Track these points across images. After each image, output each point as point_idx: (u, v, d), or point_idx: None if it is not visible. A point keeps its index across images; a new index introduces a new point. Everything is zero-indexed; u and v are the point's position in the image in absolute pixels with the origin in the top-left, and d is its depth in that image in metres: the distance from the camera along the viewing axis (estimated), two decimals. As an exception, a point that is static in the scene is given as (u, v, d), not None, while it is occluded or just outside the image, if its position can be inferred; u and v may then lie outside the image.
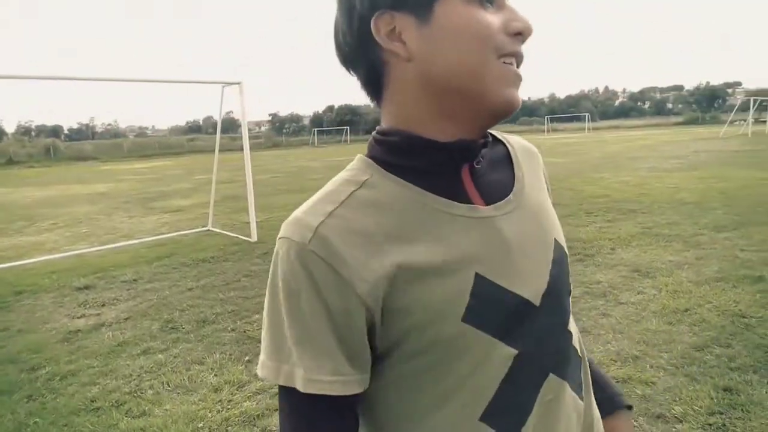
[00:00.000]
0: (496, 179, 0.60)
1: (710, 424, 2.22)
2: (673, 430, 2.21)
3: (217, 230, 7.48)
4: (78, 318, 4.10)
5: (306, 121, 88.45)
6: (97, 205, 11.48)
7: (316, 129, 56.10)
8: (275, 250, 0.54)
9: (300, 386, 0.51)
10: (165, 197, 12.29)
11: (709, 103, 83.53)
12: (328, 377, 0.50)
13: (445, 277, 0.52)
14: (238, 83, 6.53)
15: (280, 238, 0.53)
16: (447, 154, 0.56)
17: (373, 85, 0.59)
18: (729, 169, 10.57)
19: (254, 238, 6.64)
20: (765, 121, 29.82)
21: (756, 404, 2.32)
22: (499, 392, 0.54)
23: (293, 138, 65.14)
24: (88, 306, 4.39)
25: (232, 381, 2.89)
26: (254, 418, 2.52)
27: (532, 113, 77.34)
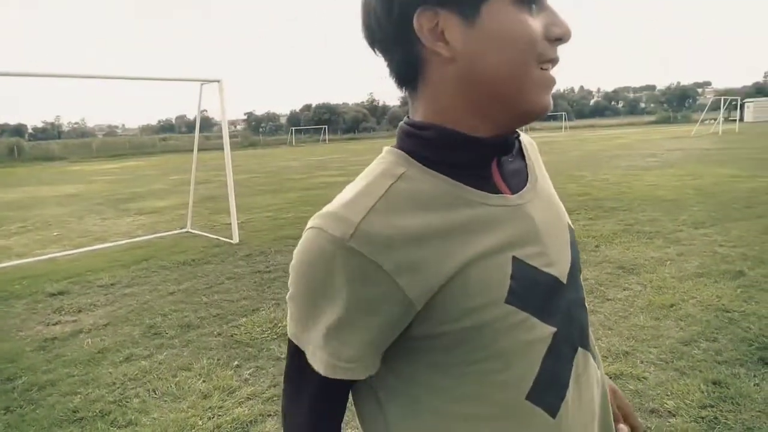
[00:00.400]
0: (515, 169, 0.62)
1: (702, 418, 2.25)
2: (667, 424, 2.24)
3: (197, 232, 7.31)
4: (53, 325, 3.93)
5: (283, 120, 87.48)
6: (67, 207, 11.07)
7: (293, 128, 55.44)
8: (304, 239, 0.54)
9: (320, 369, 0.54)
10: (139, 198, 11.95)
11: (680, 102, 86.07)
12: (346, 364, 0.53)
13: (489, 264, 0.54)
14: (218, 81, 6.38)
15: (311, 228, 0.53)
16: (485, 150, 0.58)
17: (407, 76, 0.58)
18: (702, 166, 10.91)
19: (236, 239, 6.51)
20: (735, 120, 30.99)
21: (745, 396, 2.37)
22: (542, 370, 0.57)
23: (270, 137, 64.44)
24: (63, 312, 4.21)
25: (222, 387, 2.81)
26: (247, 425, 2.44)
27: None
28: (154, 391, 2.80)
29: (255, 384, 2.83)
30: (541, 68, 0.55)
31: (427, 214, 0.53)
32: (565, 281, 0.60)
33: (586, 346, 0.63)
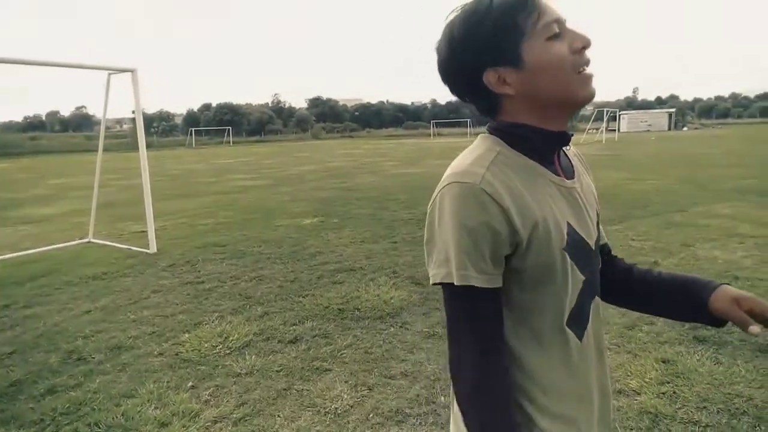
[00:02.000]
0: (566, 165, 0.87)
1: (664, 393, 2.48)
2: (636, 401, 2.43)
3: (101, 242, 6.53)
4: (-61, 358, 3.22)
5: (178, 120, 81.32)
6: None
7: (192, 129, 51.79)
8: (441, 193, 0.75)
9: (484, 284, 0.73)
10: (17, 206, 10.40)
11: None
12: (484, 276, 0.74)
13: (556, 223, 0.78)
14: (131, 71, 5.74)
15: (448, 184, 0.75)
16: (554, 139, 0.82)
17: (491, 113, 0.84)
18: (597, 171, 11.68)
19: (153, 249, 5.90)
20: (614, 130, 35.30)
21: (693, 371, 2.66)
22: (576, 305, 0.81)
23: (164, 138, 59.67)
24: (-52, 342, 3.47)
25: (180, 412, 2.49)
26: (221, 452, 2.19)
27: (417, 117, 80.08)
28: (97, 425, 2.41)
29: (219, 405, 2.56)
30: (579, 72, 0.77)
31: (521, 181, 0.77)
32: (593, 248, 0.85)
33: (598, 294, 0.89)
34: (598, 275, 0.88)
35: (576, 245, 0.79)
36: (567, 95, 0.78)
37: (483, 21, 0.76)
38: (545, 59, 0.75)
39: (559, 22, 0.77)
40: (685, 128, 50.04)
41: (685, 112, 66.54)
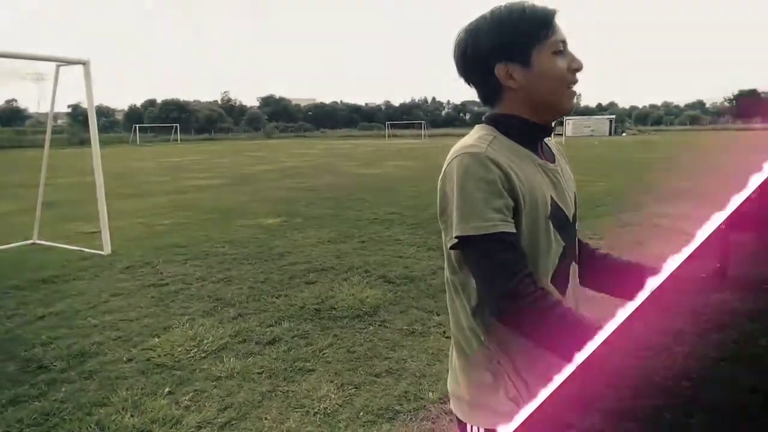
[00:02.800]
0: (548, 151, 1.05)
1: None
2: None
3: (47, 243, 6.12)
4: None
5: (119, 116, 77.12)
6: None
7: (137, 125, 49.29)
8: (453, 163, 0.92)
9: (505, 229, 0.87)
10: (-55, 205, 9.50)
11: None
12: (504, 223, 0.87)
13: (542, 195, 0.94)
14: (84, 63, 5.42)
15: (457, 156, 0.92)
16: (538, 130, 1.00)
17: (491, 100, 1.00)
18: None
19: (107, 250, 5.60)
20: (561, 135, 36.88)
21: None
22: (558, 266, 0.97)
23: (104, 134, 56.29)
24: None
25: (161, 419, 2.40)
26: (209, 457, 2.13)
27: (371, 119, 79.73)
28: (70, 437, 2.27)
29: (201, 410, 2.48)
30: (568, 87, 0.96)
31: (514, 157, 0.94)
32: (571, 220, 1.01)
33: (576, 261, 1.03)
34: (575, 243, 1.04)
35: (557, 215, 0.96)
36: (556, 102, 0.97)
37: (513, 23, 0.92)
38: (548, 67, 0.93)
39: (564, 42, 0.95)
40: (624, 134, 53.04)
41: (624, 119, 70.64)
